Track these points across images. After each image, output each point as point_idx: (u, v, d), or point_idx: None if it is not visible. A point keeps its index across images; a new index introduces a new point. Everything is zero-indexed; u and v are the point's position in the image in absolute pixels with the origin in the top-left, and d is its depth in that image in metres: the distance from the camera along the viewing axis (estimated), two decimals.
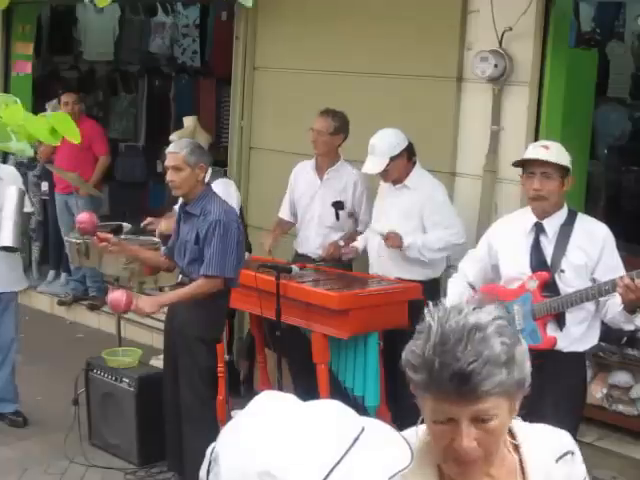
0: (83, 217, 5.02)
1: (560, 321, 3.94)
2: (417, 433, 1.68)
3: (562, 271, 3.92)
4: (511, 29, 5.39)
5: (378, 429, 1.35)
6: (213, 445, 1.31)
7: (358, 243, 5.67)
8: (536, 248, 4.00)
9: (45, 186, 8.48)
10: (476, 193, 5.68)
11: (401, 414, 5.30)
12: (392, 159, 5.25)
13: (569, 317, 3.93)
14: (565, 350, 3.95)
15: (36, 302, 8.51)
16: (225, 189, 5.74)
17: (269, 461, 1.22)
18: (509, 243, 4.09)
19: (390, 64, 6.05)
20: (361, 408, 4.93)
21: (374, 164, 5.29)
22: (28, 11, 8.96)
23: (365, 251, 5.59)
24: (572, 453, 1.81)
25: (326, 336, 5.06)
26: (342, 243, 5.73)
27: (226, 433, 1.30)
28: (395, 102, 5.99)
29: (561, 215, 4.00)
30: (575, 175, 6.03)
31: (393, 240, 5.20)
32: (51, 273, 8.75)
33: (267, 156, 6.81)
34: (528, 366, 1.62)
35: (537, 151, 4.00)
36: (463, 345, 1.52)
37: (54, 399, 6.03)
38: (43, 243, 8.87)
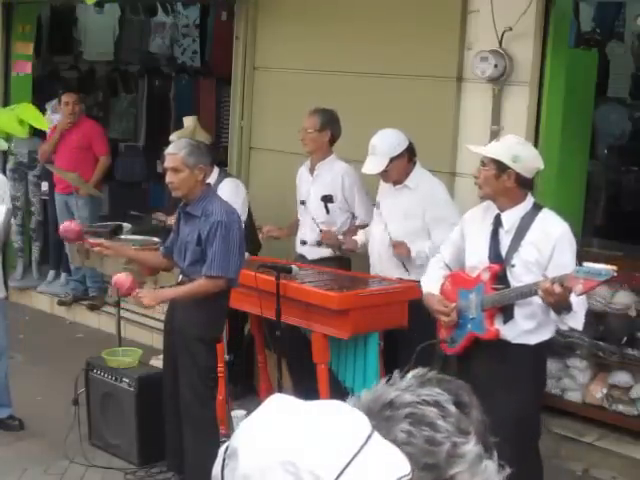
0: (67, 226, 5.02)
1: (507, 314, 4.03)
2: None
3: (513, 265, 4.02)
4: (511, 29, 5.40)
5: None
6: (227, 443, 1.30)
7: (359, 237, 5.66)
8: (494, 240, 4.10)
9: (45, 186, 8.48)
10: (476, 193, 5.66)
11: None
12: (392, 159, 5.25)
13: (518, 311, 4.02)
14: (513, 342, 4.04)
15: (36, 302, 8.52)
16: (233, 189, 5.76)
17: (290, 451, 1.20)
18: (475, 232, 4.21)
19: (390, 64, 6.05)
20: None
21: (374, 164, 5.28)
22: (28, 11, 8.96)
23: (365, 246, 5.59)
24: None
25: (326, 336, 5.06)
26: (341, 237, 5.72)
27: (242, 429, 1.29)
28: (395, 102, 5.99)
29: (520, 209, 4.08)
30: (575, 175, 6.09)
31: (400, 249, 5.22)
32: (51, 273, 8.74)
33: (267, 156, 6.81)
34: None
35: (488, 144, 4.28)
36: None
37: (54, 399, 6.03)
38: (43, 243, 8.86)
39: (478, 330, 4.08)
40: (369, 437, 1.21)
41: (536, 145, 5.13)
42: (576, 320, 3.93)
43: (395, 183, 5.37)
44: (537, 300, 3.97)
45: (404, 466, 1.23)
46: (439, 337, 4.35)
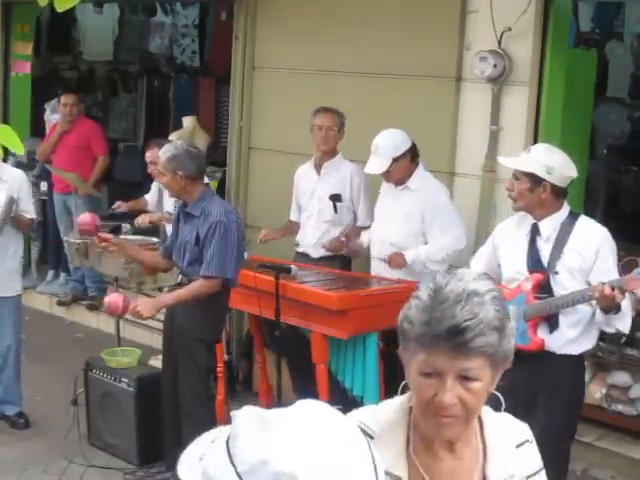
0: (85, 219, 5.02)
1: (552, 323, 3.95)
2: (400, 401, 1.87)
3: (556, 273, 3.95)
4: (510, 29, 5.40)
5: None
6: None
7: (363, 238, 5.66)
8: (532, 249, 4.03)
9: (44, 186, 8.47)
10: (475, 193, 5.68)
11: None
12: (395, 160, 5.24)
13: (563, 319, 3.94)
14: (558, 352, 3.97)
15: (35, 302, 8.50)
16: None
17: (296, 464, 1.22)
18: (509, 243, 4.12)
19: (390, 64, 6.04)
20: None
21: (377, 164, 5.28)
22: (28, 11, 8.95)
23: (369, 247, 5.58)
24: (530, 442, 1.88)
25: (325, 336, 5.06)
26: (343, 239, 5.72)
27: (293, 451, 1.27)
28: (394, 102, 5.99)
29: (558, 217, 4.02)
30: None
31: (395, 262, 5.21)
32: (50, 273, 8.74)
33: (266, 156, 6.81)
34: (513, 343, 1.73)
35: (512, 157, 4.18)
36: (461, 305, 1.64)
37: (53, 399, 6.03)
38: (42, 243, 8.86)
39: (521, 341, 3.88)
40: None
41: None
42: (624, 322, 3.87)
43: (397, 183, 5.36)
44: (583, 307, 3.91)
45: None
46: None
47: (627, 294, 3.74)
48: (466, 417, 1.70)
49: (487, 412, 1.84)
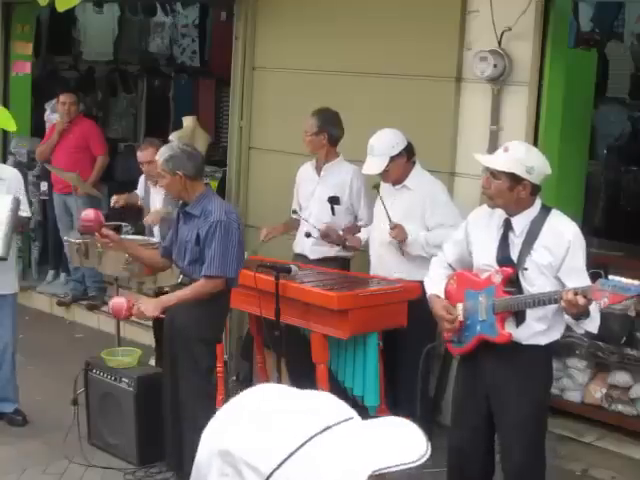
0: (89, 215, 4.99)
1: (519, 318, 4.00)
2: None
3: (525, 269, 3.98)
4: (510, 29, 5.40)
5: (384, 423, 1.29)
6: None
7: (362, 235, 5.66)
8: (503, 244, 4.06)
9: (44, 186, 8.47)
10: (475, 193, 5.67)
11: (399, 413, 5.31)
12: (392, 159, 5.25)
13: (530, 313, 3.99)
14: (524, 342, 4.02)
15: (35, 302, 8.51)
16: None
17: (231, 441, 1.24)
18: (482, 234, 4.16)
19: (390, 64, 6.05)
20: (361, 408, 4.93)
21: (374, 165, 5.29)
22: (27, 11, 8.95)
23: (366, 245, 5.59)
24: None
25: (325, 336, 5.06)
26: (341, 232, 5.72)
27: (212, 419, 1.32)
28: (395, 102, 6.00)
29: (530, 213, 4.04)
30: (575, 175, 6.09)
31: (398, 232, 5.21)
32: (50, 273, 8.75)
33: (266, 156, 6.81)
34: None
35: (489, 155, 4.24)
36: None
37: (53, 399, 6.03)
38: (42, 243, 8.87)
39: (489, 333, 4.03)
40: (328, 428, 1.22)
41: (535, 145, 5.13)
42: (593, 324, 3.89)
43: (395, 183, 5.37)
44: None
45: (393, 458, 1.19)
46: (444, 338, 4.30)
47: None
48: None
49: None
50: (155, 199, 6.68)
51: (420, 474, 4.28)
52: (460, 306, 4.14)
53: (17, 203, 5.40)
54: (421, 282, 5.23)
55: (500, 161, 4.01)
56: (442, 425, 5.83)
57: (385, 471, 1.18)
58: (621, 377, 5.61)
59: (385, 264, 5.38)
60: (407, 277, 5.28)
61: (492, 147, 5.58)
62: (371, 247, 5.51)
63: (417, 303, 5.12)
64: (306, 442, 1.19)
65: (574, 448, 4.29)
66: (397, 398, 5.44)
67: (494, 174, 4.00)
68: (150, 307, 4.70)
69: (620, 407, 5.58)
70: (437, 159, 5.68)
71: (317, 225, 5.72)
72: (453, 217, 5.26)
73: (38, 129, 8.94)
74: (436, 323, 5.35)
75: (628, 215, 7.68)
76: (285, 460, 1.19)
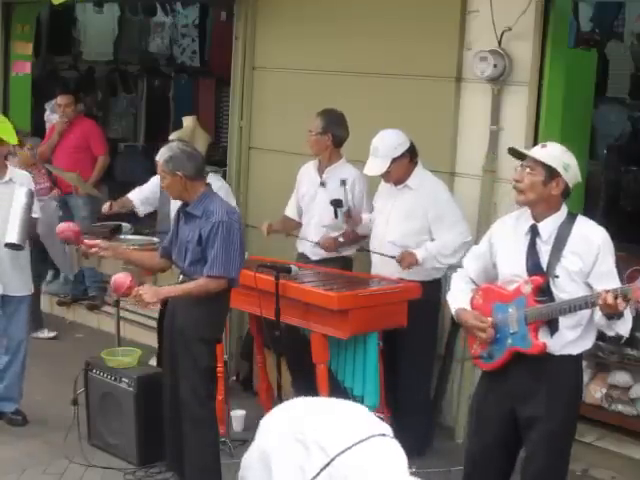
0: (61, 227, 5.02)
1: (552, 326, 3.92)
2: None
3: (556, 276, 3.89)
4: (510, 29, 5.40)
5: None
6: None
7: (364, 217, 5.62)
8: (532, 251, 3.96)
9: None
10: (475, 193, 5.68)
11: (400, 413, 5.31)
12: (394, 160, 5.24)
13: (562, 322, 3.91)
14: (557, 353, 3.94)
15: None
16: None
17: (309, 425, 1.43)
18: (508, 243, 4.06)
19: (389, 64, 6.05)
20: None
21: (376, 165, 5.28)
22: (27, 11, 8.96)
23: (369, 225, 5.55)
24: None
25: (326, 336, 5.06)
26: (342, 239, 5.70)
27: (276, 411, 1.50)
28: (394, 102, 5.99)
29: (557, 218, 3.95)
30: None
31: (407, 262, 5.18)
32: (50, 273, 8.74)
33: (266, 156, 6.81)
34: None
35: (533, 148, 4.07)
36: None
37: (53, 399, 6.03)
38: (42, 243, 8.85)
39: (522, 344, 3.91)
40: (381, 434, 1.44)
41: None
42: (625, 326, 3.83)
43: (396, 183, 5.36)
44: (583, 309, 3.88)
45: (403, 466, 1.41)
46: (472, 353, 4.16)
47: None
48: None
49: None
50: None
51: (425, 473, 4.28)
52: (491, 321, 4.01)
53: (31, 195, 5.43)
54: (421, 282, 5.25)
55: (539, 152, 3.95)
56: (443, 426, 5.84)
57: None
58: (621, 377, 5.61)
59: (387, 264, 5.37)
60: (408, 277, 5.28)
61: (492, 147, 5.59)
62: (371, 247, 5.50)
63: (417, 303, 5.12)
64: (367, 438, 1.41)
65: (574, 448, 4.28)
66: (397, 398, 5.44)
67: (530, 166, 3.90)
68: (150, 294, 4.67)
69: (620, 407, 5.58)
70: (437, 159, 5.68)
71: (315, 238, 5.73)
72: (455, 217, 5.26)
73: (38, 129, 8.95)
74: (436, 323, 5.35)
75: (628, 215, 7.67)
76: (349, 448, 1.39)
